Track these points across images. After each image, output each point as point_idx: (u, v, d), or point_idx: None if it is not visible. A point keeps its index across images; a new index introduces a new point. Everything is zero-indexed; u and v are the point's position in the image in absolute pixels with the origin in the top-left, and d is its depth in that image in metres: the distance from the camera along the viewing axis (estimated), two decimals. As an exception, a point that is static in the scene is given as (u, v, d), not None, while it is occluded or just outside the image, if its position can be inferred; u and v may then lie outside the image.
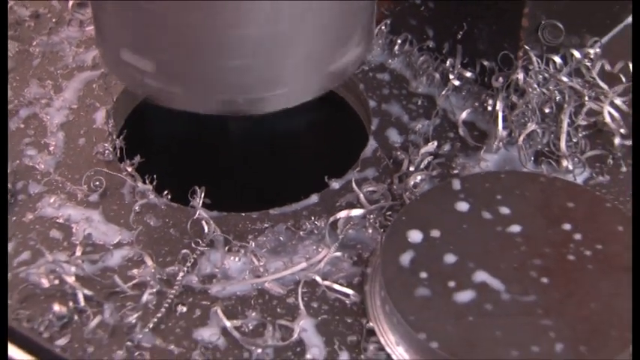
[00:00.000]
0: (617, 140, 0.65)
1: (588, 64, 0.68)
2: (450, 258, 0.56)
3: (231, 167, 0.72)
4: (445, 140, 0.66)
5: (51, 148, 0.66)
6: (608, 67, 0.68)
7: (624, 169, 0.64)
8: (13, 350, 0.55)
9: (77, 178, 0.64)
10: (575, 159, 0.64)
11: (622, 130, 0.65)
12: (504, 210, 0.59)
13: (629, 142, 0.65)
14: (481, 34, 0.66)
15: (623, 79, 0.67)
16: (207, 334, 0.56)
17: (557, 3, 0.65)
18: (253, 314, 0.57)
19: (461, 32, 0.67)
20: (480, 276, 0.55)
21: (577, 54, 0.67)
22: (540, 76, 0.66)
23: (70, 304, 0.57)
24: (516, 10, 0.63)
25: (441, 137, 0.66)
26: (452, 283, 0.55)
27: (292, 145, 0.73)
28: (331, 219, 0.60)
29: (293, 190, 0.63)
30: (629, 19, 0.73)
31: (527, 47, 0.65)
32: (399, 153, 0.65)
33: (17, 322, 0.56)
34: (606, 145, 0.65)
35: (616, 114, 0.65)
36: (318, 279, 0.57)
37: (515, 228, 0.58)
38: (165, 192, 0.62)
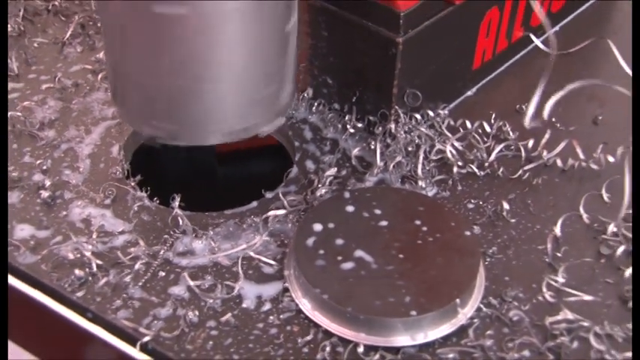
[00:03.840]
0: (455, 169, 0.65)
1: (439, 120, 0.70)
2: (339, 241, 0.57)
3: (201, 183, 0.72)
4: (343, 168, 0.66)
5: (80, 170, 0.65)
6: (452, 122, 0.70)
7: (460, 187, 0.65)
8: (46, 299, 0.55)
9: (97, 189, 0.63)
10: (428, 180, 0.65)
11: (459, 163, 0.66)
12: (377, 211, 0.59)
13: (464, 171, 0.66)
14: (368, 99, 0.67)
15: (461, 130, 0.69)
16: (178, 290, 0.56)
17: (418, 79, 0.66)
18: (209, 278, 0.57)
19: (354, 98, 0.68)
20: (358, 253, 0.56)
21: (431, 113, 0.69)
22: (406, 127, 0.67)
23: (87, 270, 0.57)
24: (389, 84, 0.65)
25: (340, 166, 0.66)
26: (340, 257, 0.56)
27: (243, 169, 0.73)
28: (264, 216, 0.61)
29: (242, 199, 0.64)
30: (469, 93, 0.75)
31: (397, 107, 0.66)
32: (311, 176, 0.65)
33: (50, 280, 0.56)
34: (448, 172, 0.66)
35: (454, 152, 0.66)
36: (252, 254, 0.58)
37: (384, 223, 0.58)
38: (155, 198, 0.62)
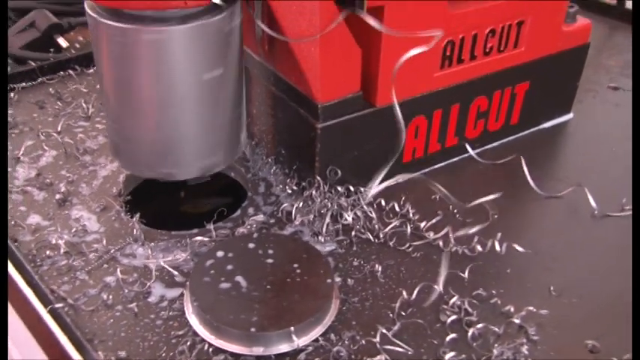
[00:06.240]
0: (353, 232, 0.66)
1: (359, 195, 0.69)
2: (229, 267, 0.59)
3: (165, 211, 0.75)
4: (274, 217, 0.68)
5: (93, 186, 0.72)
6: (372, 199, 0.69)
7: (354, 248, 0.65)
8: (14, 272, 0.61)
9: (96, 200, 0.70)
10: (329, 237, 0.65)
11: (361, 230, 0.66)
12: (270, 251, 0.61)
13: (364, 236, 0.66)
14: (302, 168, 0.69)
15: (375, 206, 0.68)
16: (109, 279, 0.60)
17: (339, 159, 0.67)
18: (135, 275, 0.61)
19: (295, 166, 0.70)
20: (238, 278, 0.58)
21: (351, 188, 0.69)
22: (326, 194, 0.68)
23: (56, 252, 0.62)
24: (312, 159, 0.66)
25: (273, 216, 0.68)
26: (222, 278, 0.58)
27: (199, 206, 0.76)
28: (193, 239, 0.64)
29: (189, 226, 0.67)
30: (400, 180, 0.73)
31: (319, 178, 0.67)
32: (245, 219, 0.68)
33: (25, 256, 0.62)
34: (349, 234, 0.66)
35: (360, 220, 0.66)
36: (163, 263, 0.61)
37: (270, 260, 0.60)
38: (129, 214, 0.67)
